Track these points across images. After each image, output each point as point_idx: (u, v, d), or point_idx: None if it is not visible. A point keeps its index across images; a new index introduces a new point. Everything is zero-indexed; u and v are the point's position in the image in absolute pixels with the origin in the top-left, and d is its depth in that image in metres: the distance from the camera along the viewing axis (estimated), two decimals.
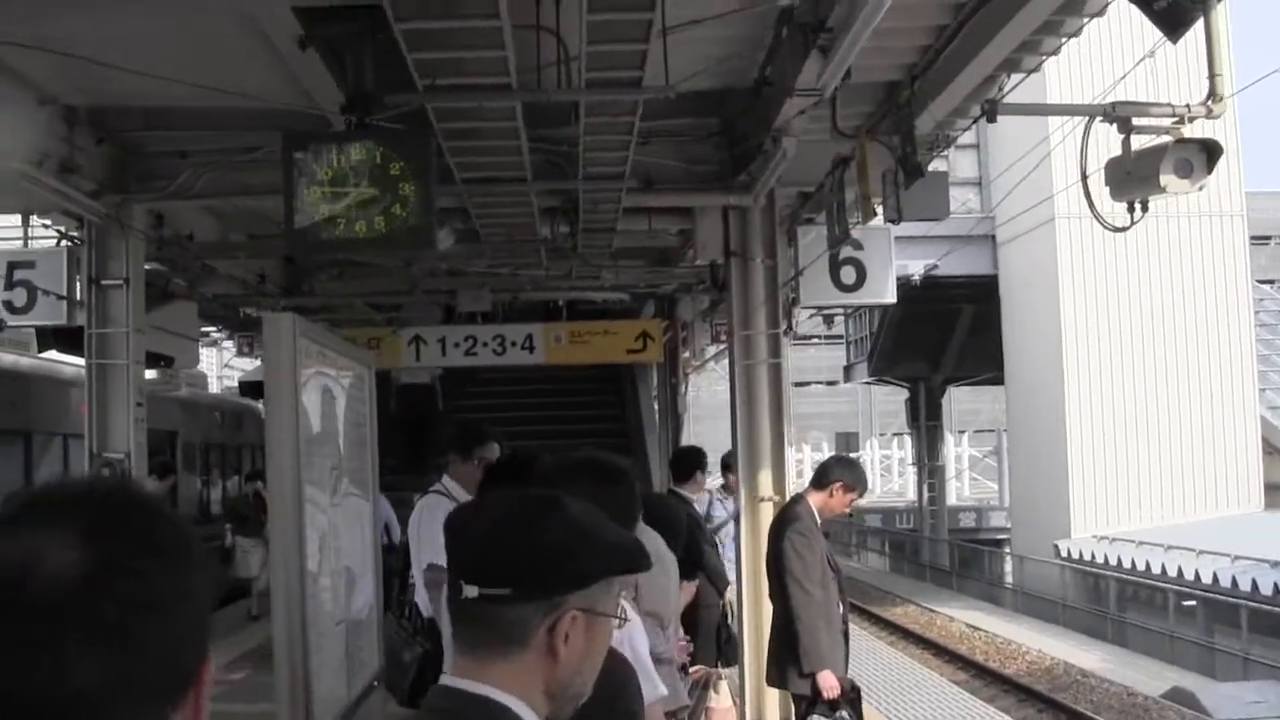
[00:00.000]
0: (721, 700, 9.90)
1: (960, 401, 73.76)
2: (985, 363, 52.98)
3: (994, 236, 45.62)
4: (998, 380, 51.86)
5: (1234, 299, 44.07)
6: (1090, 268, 42.89)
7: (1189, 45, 10.60)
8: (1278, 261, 63.59)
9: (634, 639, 5.09)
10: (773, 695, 13.78)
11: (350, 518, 9.48)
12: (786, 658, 11.10)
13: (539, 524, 2.91)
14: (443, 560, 8.94)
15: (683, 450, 16.04)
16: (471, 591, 2.82)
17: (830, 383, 70.85)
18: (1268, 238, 60.26)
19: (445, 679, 2.94)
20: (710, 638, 13.44)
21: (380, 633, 10.24)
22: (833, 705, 10.81)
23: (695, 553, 11.98)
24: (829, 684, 10.75)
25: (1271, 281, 56.77)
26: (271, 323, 7.85)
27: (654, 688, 5.28)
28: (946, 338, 56.27)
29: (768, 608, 12.67)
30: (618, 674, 3.68)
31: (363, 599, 9.84)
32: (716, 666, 12.40)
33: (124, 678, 1.76)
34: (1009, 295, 47.01)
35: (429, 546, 10.77)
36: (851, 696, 11.06)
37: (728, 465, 15.95)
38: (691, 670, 9.60)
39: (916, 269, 34.48)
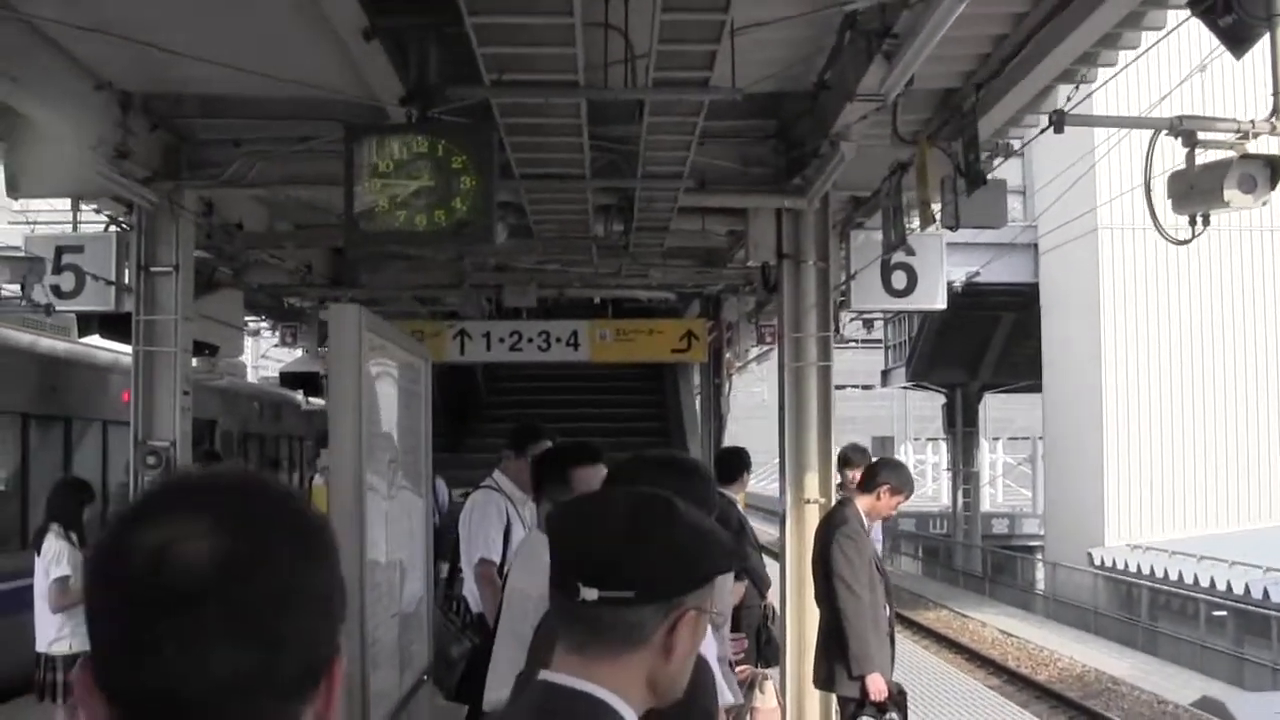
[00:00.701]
0: (767, 701, 9.83)
1: (995, 408, 73.60)
2: (1023, 370, 52.96)
3: (1036, 245, 45.56)
4: (1035, 388, 51.75)
5: (1273, 312, 43.95)
6: (1132, 279, 42.84)
7: (1247, 62, 10.56)
8: None
9: (708, 641, 5.08)
10: (814, 697, 13.75)
11: (404, 510, 9.47)
12: (834, 660, 11.09)
13: (663, 527, 2.90)
14: (494, 555, 8.95)
15: (727, 451, 15.92)
16: (591, 594, 2.79)
17: (866, 386, 70.73)
18: None
19: (547, 675, 2.90)
20: (751, 638, 13.43)
21: (430, 626, 10.24)
22: (881, 708, 10.80)
23: (741, 554, 11.99)
24: (878, 687, 10.74)
25: None
26: (337, 314, 7.83)
27: (725, 693, 5.26)
28: (985, 345, 56.19)
29: (811, 610, 12.66)
30: (696, 673, 3.67)
31: (414, 591, 9.83)
32: (757, 667, 12.38)
33: (262, 671, 1.75)
34: (1049, 304, 46.93)
35: (480, 541, 10.78)
36: (899, 700, 11.05)
37: (847, 460, 15.24)
38: (738, 670, 9.59)
39: (958, 276, 34.41)
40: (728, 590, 7.23)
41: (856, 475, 14.63)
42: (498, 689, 6.01)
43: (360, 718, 7.60)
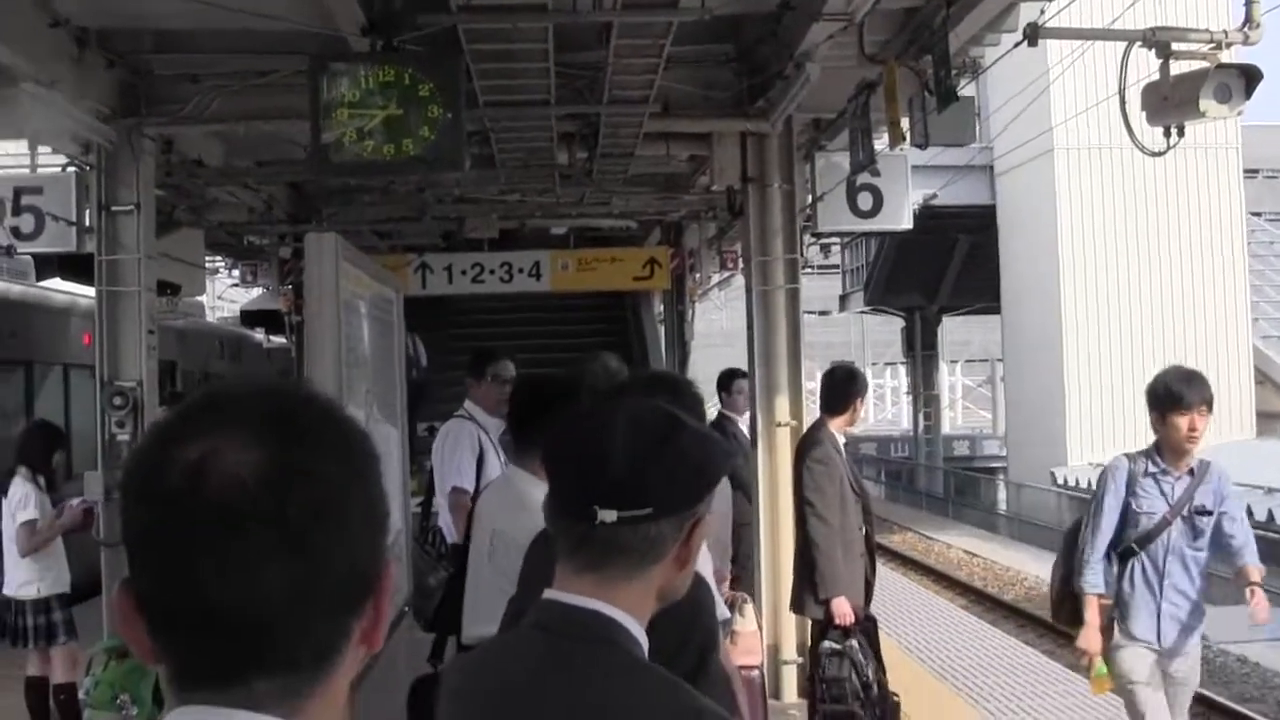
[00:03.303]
0: (747, 624, 9.85)
1: (952, 331, 73.91)
2: (981, 293, 53.23)
3: (992, 167, 45.70)
4: (993, 310, 52.05)
5: (1228, 230, 44.31)
6: (1088, 199, 43.15)
7: None
8: (1266, 194, 63.78)
9: (703, 557, 5.06)
10: (789, 620, 13.77)
11: (380, 441, 9.42)
12: (804, 584, 11.11)
13: (675, 440, 2.88)
14: (467, 483, 8.90)
15: (728, 372, 15.89)
16: (609, 516, 2.76)
17: (823, 312, 70.79)
18: (1256, 171, 60.41)
19: (556, 595, 2.87)
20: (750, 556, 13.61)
21: (409, 558, 10.22)
22: (845, 632, 10.81)
23: (736, 475, 12.09)
24: (842, 611, 10.74)
25: (1260, 214, 56.96)
26: (314, 242, 7.76)
27: (722, 608, 5.25)
28: (943, 267, 56.41)
29: (785, 533, 12.70)
30: (697, 591, 3.64)
31: (391, 523, 9.78)
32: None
33: (307, 585, 1.72)
34: (1007, 226, 47.18)
35: (452, 469, 10.77)
36: (866, 625, 11.06)
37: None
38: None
39: (915, 199, 34.37)
40: (724, 513, 7.22)
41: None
42: (479, 624, 6.00)
43: None
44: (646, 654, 2.84)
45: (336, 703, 1.82)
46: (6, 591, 12.48)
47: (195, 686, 1.74)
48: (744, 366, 15.20)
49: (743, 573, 11.74)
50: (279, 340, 30.92)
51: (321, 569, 1.73)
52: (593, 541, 2.81)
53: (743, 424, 15.00)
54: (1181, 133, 10.85)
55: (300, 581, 1.71)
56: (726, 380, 15.51)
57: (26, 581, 12.37)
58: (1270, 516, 32.17)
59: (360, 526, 1.80)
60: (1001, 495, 50.74)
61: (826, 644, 10.84)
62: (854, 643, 10.82)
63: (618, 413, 2.95)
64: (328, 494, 1.75)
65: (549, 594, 2.89)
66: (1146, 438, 9.22)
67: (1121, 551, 9.01)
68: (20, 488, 12.35)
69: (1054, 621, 11.06)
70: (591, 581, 2.82)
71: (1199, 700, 20.50)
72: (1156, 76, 10.88)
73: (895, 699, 11.09)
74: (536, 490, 6.46)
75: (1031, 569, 35.66)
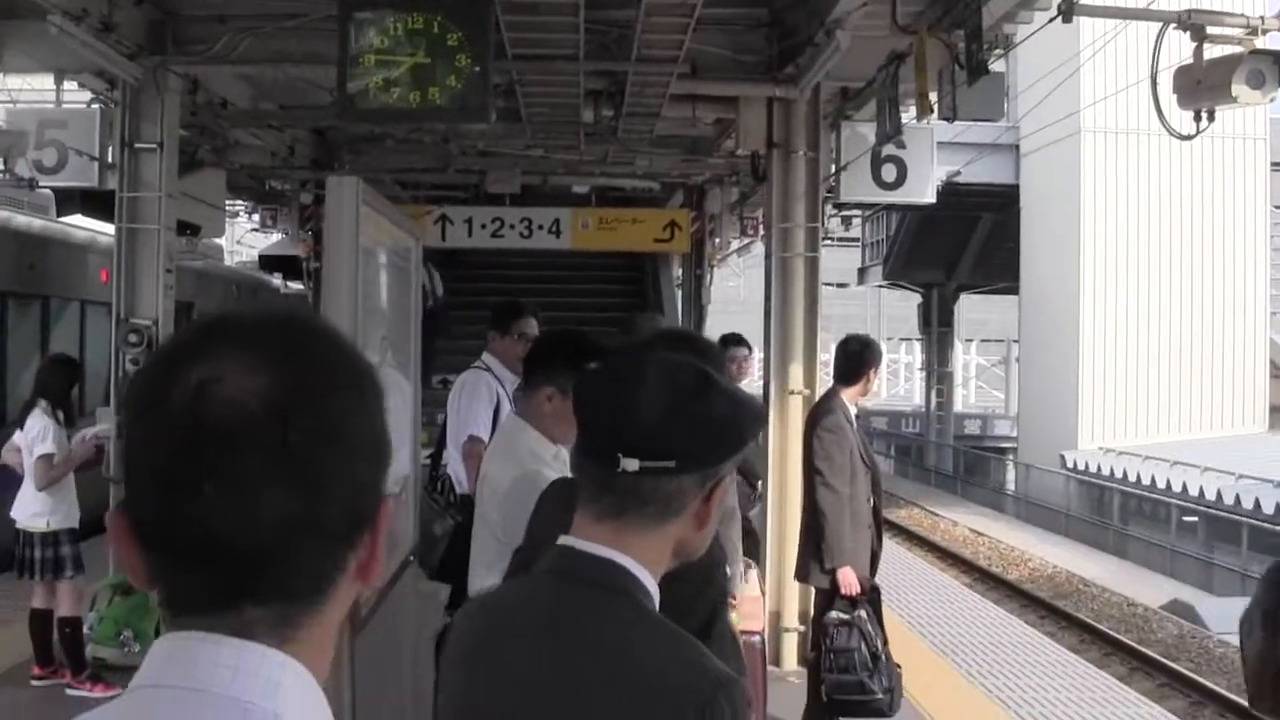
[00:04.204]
0: (750, 589, 9.85)
1: (969, 310, 73.90)
2: (1000, 272, 53.24)
3: (1018, 147, 45.64)
4: (1011, 290, 52.04)
5: (1251, 222, 44.27)
6: (1113, 184, 43.08)
7: None
8: None
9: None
10: (794, 589, 13.77)
11: (393, 389, 9.40)
12: (810, 552, 11.08)
13: (703, 396, 2.86)
14: (483, 433, 8.91)
15: (724, 337, 15.72)
16: (632, 465, 2.75)
17: (841, 284, 70.72)
18: None
19: (572, 541, 2.87)
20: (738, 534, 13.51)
21: (416, 506, 10.21)
22: (852, 602, 10.78)
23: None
24: (848, 580, 10.68)
25: None
26: (335, 185, 7.70)
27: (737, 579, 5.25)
28: (963, 245, 56.38)
29: (793, 502, 12.67)
30: (714, 550, 3.63)
31: (401, 470, 9.78)
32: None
33: (305, 513, 1.69)
34: (1029, 206, 47.11)
35: (469, 418, 10.76)
36: (872, 596, 11.03)
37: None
38: None
39: (939, 174, 34.35)
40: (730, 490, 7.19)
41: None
42: (484, 576, 5.99)
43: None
44: (657, 607, 2.83)
45: (328, 635, 1.80)
46: (18, 522, 12.49)
47: (187, 611, 1.72)
48: (760, 334, 15.12)
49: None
50: (296, 286, 30.94)
51: (321, 497, 1.70)
52: (613, 490, 2.81)
53: None
54: (1212, 117, 10.80)
55: (299, 509, 1.68)
56: (720, 346, 15.40)
57: (37, 514, 12.38)
58: (1278, 508, 32.22)
59: (362, 458, 1.77)
60: (1010, 476, 50.76)
61: (834, 614, 10.79)
62: (862, 613, 10.79)
63: (652, 364, 2.93)
64: (331, 422, 1.72)
65: (565, 540, 2.89)
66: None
67: None
68: (39, 421, 12.35)
69: (1253, 709, 7.04)
70: (609, 529, 2.82)
71: (1197, 689, 20.61)
72: (1189, 61, 10.83)
73: (899, 670, 11.08)
74: (528, 439, 6.50)
75: (1037, 550, 35.84)
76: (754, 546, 13.97)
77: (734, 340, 14.41)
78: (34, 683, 12.49)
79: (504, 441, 6.82)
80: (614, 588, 2.79)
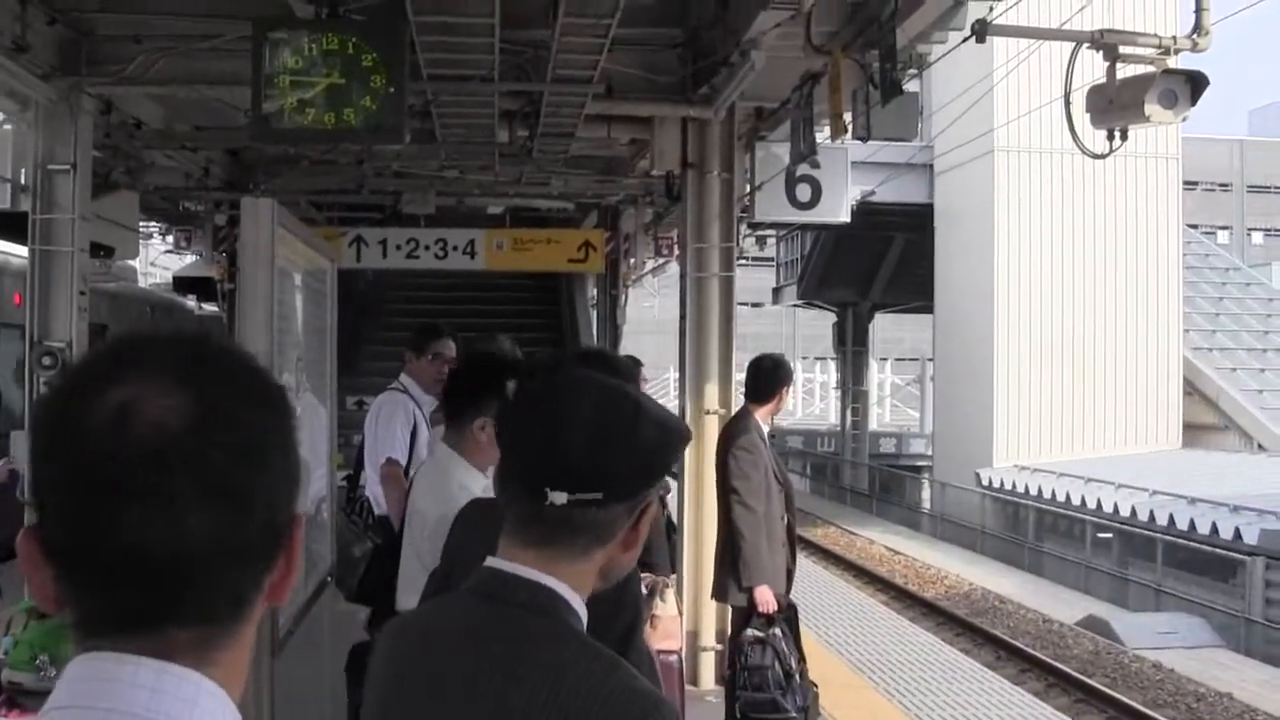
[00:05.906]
0: (668, 609, 9.85)
1: (883, 329, 74.37)
2: (914, 291, 53.52)
3: (932, 166, 45.89)
4: (926, 309, 52.31)
5: (1165, 241, 44.69)
6: (1026, 203, 43.42)
7: None
8: (1204, 206, 64.35)
9: None
10: (711, 608, 13.79)
11: (309, 411, 9.37)
12: (727, 571, 11.12)
13: (630, 425, 2.84)
14: (400, 455, 8.92)
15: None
16: (560, 498, 2.73)
17: (756, 304, 71.01)
18: (1195, 183, 60.97)
19: (499, 564, 2.84)
20: (663, 537, 13.46)
21: (333, 527, 10.18)
22: (769, 620, 10.83)
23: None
24: (765, 599, 10.74)
25: (1197, 226, 57.50)
26: (250, 207, 7.69)
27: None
28: (877, 264, 56.71)
29: (708, 521, 12.70)
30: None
31: (317, 492, 9.76)
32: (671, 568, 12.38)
33: (227, 531, 1.70)
34: (944, 226, 47.38)
35: (386, 440, 10.78)
36: (788, 614, 11.09)
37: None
38: (641, 577, 9.57)
39: (854, 194, 34.57)
40: None
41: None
42: (412, 600, 6.01)
43: (266, 619, 7.53)
44: (585, 629, 2.83)
45: (243, 656, 1.81)
46: None
47: (103, 634, 1.72)
48: (675, 354, 15.15)
49: (656, 555, 11.49)
50: (211, 308, 30.77)
51: (242, 514, 1.71)
52: (542, 520, 2.79)
53: None
54: (1125, 137, 10.93)
55: (222, 526, 1.69)
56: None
57: None
58: (1192, 525, 32.56)
59: (279, 474, 1.78)
60: (926, 494, 51.00)
61: (750, 632, 10.84)
62: (777, 631, 10.84)
63: (576, 391, 2.92)
64: (249, 439, 1.73)
65: (492, 562, 2.87)
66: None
67: None
68: None
69: None
70: (536, 556, 2.80)
71: (1113, 705, 20.77)
72: (1103, 80, 10.95)
73: (815, 689, 11.13)
74: (458, 471, 6.52)
75: (953, 568, 36.05)
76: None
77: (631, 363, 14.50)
78: None
79: (435, 473, 6.81)
80: (545, 610, 2.77)
